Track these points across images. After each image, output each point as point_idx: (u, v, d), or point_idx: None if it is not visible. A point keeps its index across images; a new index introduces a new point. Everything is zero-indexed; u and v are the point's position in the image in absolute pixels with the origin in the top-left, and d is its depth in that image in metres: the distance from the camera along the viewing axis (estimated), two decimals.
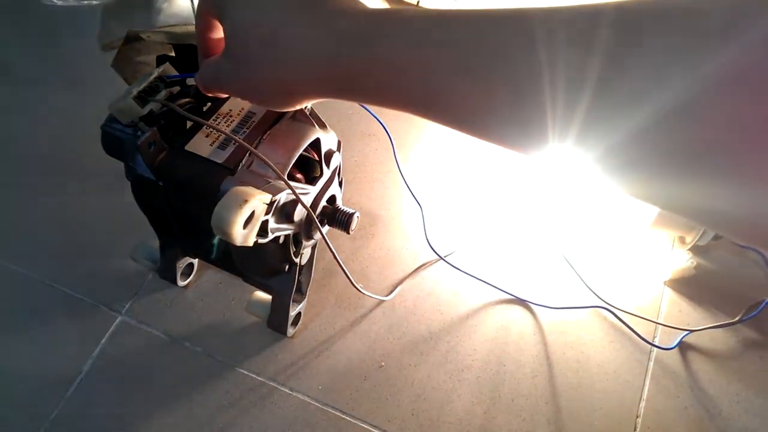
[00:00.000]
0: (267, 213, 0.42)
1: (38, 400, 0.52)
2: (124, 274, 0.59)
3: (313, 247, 0.53)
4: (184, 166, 0.45)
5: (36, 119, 0.72)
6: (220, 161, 0.45)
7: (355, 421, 0.51)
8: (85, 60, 0.76)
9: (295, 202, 0.44)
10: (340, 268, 0.49)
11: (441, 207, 0.63)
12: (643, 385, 0.52)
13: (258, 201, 0.40)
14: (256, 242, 0.43)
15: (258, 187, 0.43)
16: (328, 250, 0.46)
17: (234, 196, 0.39)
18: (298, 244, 0.51)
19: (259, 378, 0.53)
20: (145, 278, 0.59)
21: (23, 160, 0.68)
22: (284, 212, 0.44)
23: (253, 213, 0.40)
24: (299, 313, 0.55)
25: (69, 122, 0.71)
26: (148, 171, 0.46)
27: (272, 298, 0.53)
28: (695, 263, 0.58)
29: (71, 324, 0.56)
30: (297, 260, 0.52)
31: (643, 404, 0.51)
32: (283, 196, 0.43)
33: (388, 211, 0.63)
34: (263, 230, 0.42)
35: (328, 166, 0.51)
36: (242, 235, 0.39)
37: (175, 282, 0.58)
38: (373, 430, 0.50)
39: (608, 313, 0.54)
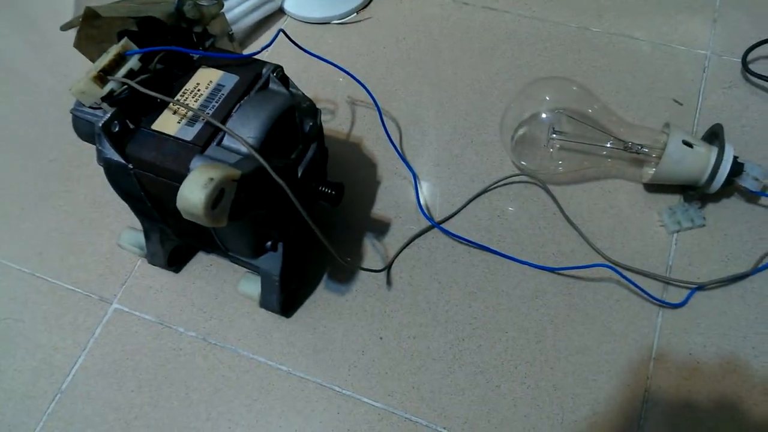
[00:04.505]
0: (239, 191, 0.39)
1: (34, 394, 0.52)
2: (113, 261, 0.58)
3: (302, 222, 0.51)
4: (151, 146, 0.43)
5: (15, 106, 0.70)
6: (188, 139, 0.43)
7: (356, 397, 0.49)
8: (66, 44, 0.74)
9: (271, 177, 0.41)
10: (332, 242, 0.46)
11: (433, 173, 0.60)
12: (653, 344, 0.50)
13: (226, 178, 0.38)
14: (233, 221, 0.40)
15: (229, 164, 0.41)
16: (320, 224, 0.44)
17: (198, 175, 0.37)
18: (282, 220, 0.48)
19: (256, 359, 0.52)
20: (135, 265, 0.58)
21: (1, 147, 0.67)
22: (260, 188, 0.42)
23: (222, 192, 0.38)
24: (293, 291, 0.54)
25: (49, 108, 0.69)
26: (116, 154, 0.44)
27: (262, 278, 0.52)
28: (704, 213, 0.55)
29: (63, 315, 0.55)
30: (283, 237, 0.50)
31: (653, 364, 0.49)
32: (256, 172, 0.41)
33: (379, 180, 0.60)
34: (237, 209, 0.40)
35: (306, 135, 0.48)
36: (212, 216, 0.37)
37: (164, 267, 0.56)
38: (374, 405, 0.49)
39: (613, 271, 0.52)
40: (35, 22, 0.78)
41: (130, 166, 0.44)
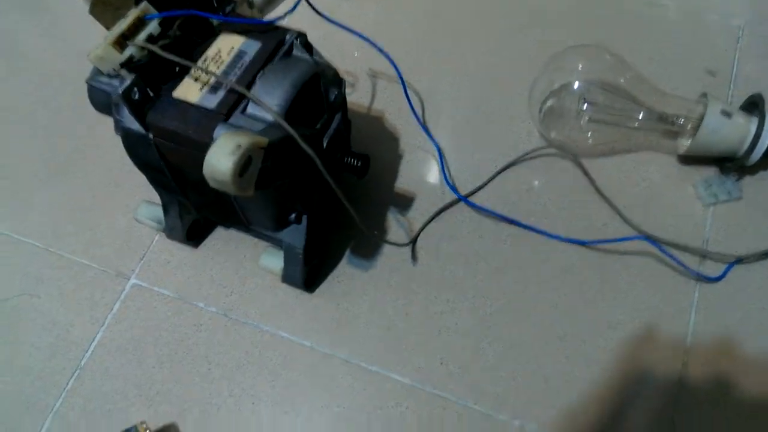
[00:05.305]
0: (265, 159, 0.38)
1: (52, 370, 0.51)
2: (130, 236, 0.57)
3: (326, 194, 0.49)
4: (172, 114, 0.41)
5: (26, 80, 0.68)
6: (211, 107, 0.41)
7: (382, 372, 0.48)
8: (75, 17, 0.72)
9: (298, 146, 0.39)
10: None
11: (458, 146, 0.58)
12: (690, 319, 0.48)
13: (254, 146, 0.36)
14: (257, 192, 0.39)
15: (254, 132, 0.39)
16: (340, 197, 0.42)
17: (226, 141, 0.35)
18: (307, 191, 0.47)
19: (279, 334, 0.51)
20: (152, 240, 0.56)
21: (12, 122, 0.65)
22: (286, 157, 0.40)
23: (249, 159, 0.36)
24: (316, 265, 0.52)
25: (61, 82, 0.67)
26: (136, 123, 0.42)
27: (285, 252, 0.50)
28: (741, 186, 0.53)
29: (80, 291, 0.54)
30: (307, 209, 0.48)
31: (690, 339, 0.47)
32: (283, 140, 0.39)
33: (401, 154, 0.59)
34: (263, 178, 0.38)
35: (331, 104, 0.46)
36: (239, 184, 0.36)
37: (183, 241, 0.55)
38: (401, 380, 0.48)
39: (649, 244, 0.50)
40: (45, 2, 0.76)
41: (150, 135, 0.43)
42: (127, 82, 0.41)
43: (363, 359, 0.49)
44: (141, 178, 0.49)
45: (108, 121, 0.46)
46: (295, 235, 0.49)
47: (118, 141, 0.45)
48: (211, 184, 0.36)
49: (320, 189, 0.48)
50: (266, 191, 0.43)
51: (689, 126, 0.52)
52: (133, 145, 0.45)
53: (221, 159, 0.35)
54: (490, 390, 0.47)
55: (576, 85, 0.54)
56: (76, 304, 0.54)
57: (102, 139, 0.63)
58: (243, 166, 0.35)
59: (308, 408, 0.48)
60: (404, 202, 0.56)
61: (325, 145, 0.46)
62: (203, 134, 0.40)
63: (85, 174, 0.61)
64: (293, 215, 0.48)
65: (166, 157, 0.44)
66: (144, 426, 0.45)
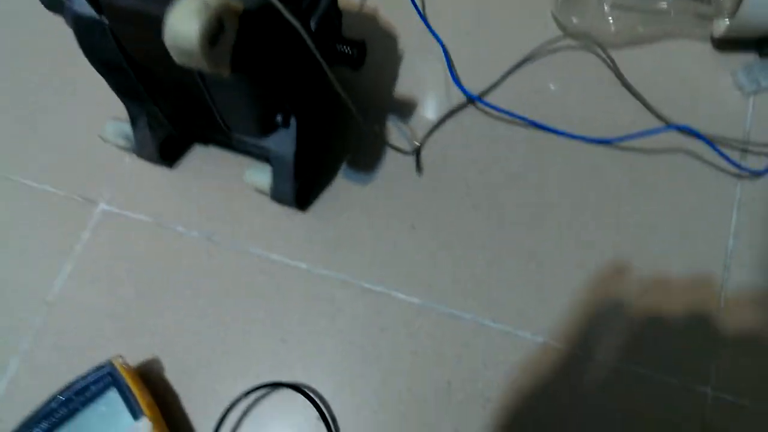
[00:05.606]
0: (241, 31, 0.31)
1: (19, 310, 0.45)
2: (97, 157, 0.50)
3: (317, 89, 0.43)
4: None
5: None
6: None
7: (387, 293, 0.43)
8: None
9: (281, 20, 0.33)
10: (353, 118, 0.39)
11: (466, 41, 0.52)
12: (731, 217, 0.43)
13: (225, 8, 0.30)
14: (234, 77, 0.33)
15: None
16: (335, 90, 0.36)
17: (190, 0, 0.29)
18: (294, 86, 0.40)
19: (269, 257, 0.45)
20: (122, 160, 0.50)
21: None
22: (267, 33, 0.34)
23: (221, 26, 0.30)
24: (309, 179, 0.46)
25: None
26: (86, 5, 0.35)
27: (272, 163, 0.44)
28: None
29: (44, 221, 0.48)
30: (296, 109, 0.42)
31: (731, 240, 0.42)
32: (262, 9, 0.33)
33: (402, 53, 0.52)
34: (240, 56, 0.32)
35: None
36: (211, 56, 0.29)
37: (156, 160, 0.49)
38: (409, 300, 0.43)
39: (682, 138, 0.44)
40: None
41: (105, 20, 0.36)
42: None
43: (366, 280, 0.44)
44: (106, 94, 0.42)
45: (64, 29, 0.39)
46: (284, 141, 0.43)
47: (78, 55, 0.38)
48: (177, 58, 0.30)
49: (310, 82, 0.41)
50: (246, 81, 0.36)
51: (728, 3, 0.46)
52: (85, 34, 0.38)
53: (185, 20, 0.28)
54: (509, 306, 0.42)
55: None
56: (40, 234, 0.48)
57: (60, 52, 0.55)
58: (213, 33, 0.29)
59: (307, 334, 0.43)
60: (405, 108, 0.49)
61: (313, 28, 0.39)
62: (165, 8, 0.33)
63: (43, 93, 0.54)
64: (280, 116, 0.41)
65: (125, 49, 0.37)
66: (120, 360, 0.39)
